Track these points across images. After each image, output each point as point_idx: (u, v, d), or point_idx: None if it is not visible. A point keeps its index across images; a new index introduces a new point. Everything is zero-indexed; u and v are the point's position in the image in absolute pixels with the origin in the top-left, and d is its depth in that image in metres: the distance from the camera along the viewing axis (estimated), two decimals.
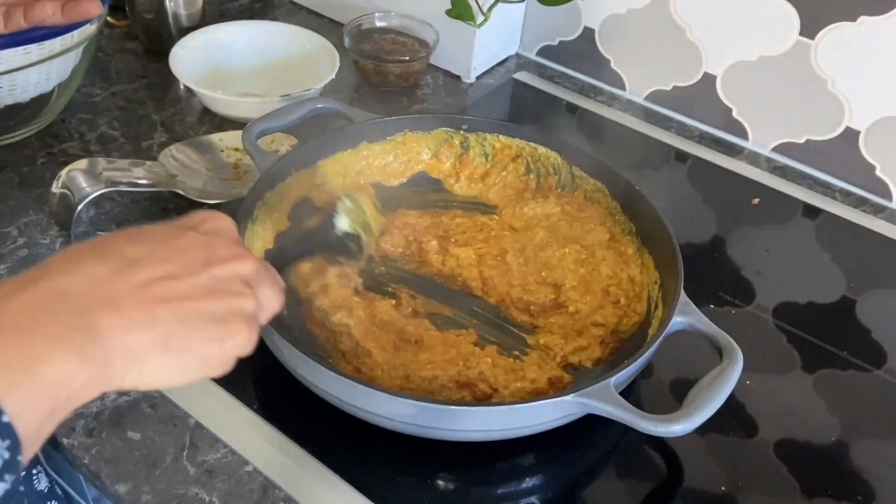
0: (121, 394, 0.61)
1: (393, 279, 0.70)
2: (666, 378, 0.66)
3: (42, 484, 0.60)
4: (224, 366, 0.41)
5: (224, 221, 0.46)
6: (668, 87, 0.99)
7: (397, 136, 0.78)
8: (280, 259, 0.58)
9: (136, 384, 0.38)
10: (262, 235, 0.68)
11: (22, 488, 0.56)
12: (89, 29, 0.79)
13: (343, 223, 0.62)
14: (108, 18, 0.99)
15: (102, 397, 0.60)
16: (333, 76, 0.89)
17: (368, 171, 0.78)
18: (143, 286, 0.38)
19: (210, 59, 0.92)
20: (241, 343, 0.41)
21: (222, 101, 0.86)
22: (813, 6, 0.85)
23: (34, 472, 0.57)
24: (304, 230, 0.64)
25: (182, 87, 0.93)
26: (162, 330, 0.38)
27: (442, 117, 0.79)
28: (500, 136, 0.78)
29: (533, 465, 0.59)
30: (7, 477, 0.33)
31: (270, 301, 0.45)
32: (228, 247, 0.43)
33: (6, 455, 0.33)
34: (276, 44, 0.95)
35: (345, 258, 0.63)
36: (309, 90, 0.86)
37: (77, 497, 0.75)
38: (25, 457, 0.34)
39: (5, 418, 0.32)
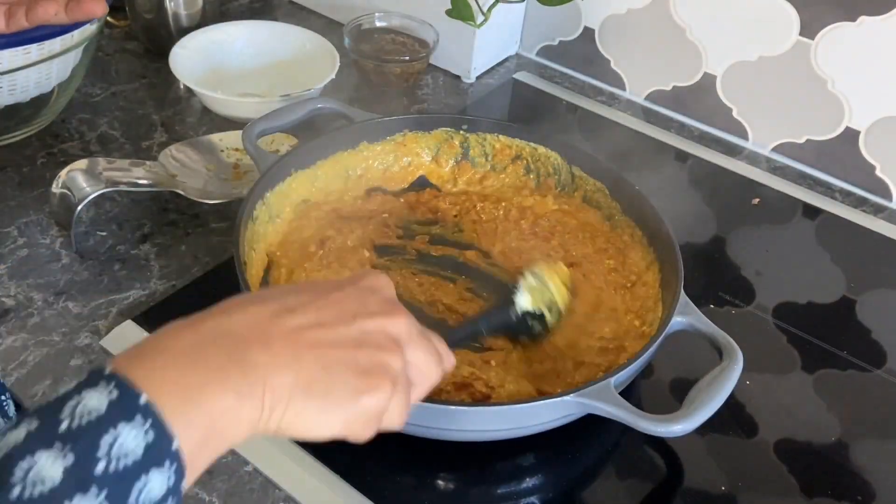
0: None
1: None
2: (666, 378, 0.66)
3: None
4: (366, 425, 0.41)
5: (382, 280, 0.47)
6: (668, 87, 0.99)
7: (397, 136, 0.78)
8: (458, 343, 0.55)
9: (281, 428, 0.39)
10: (264, 236, 0.68)
11: None
12: (89, 29, 0.79)
13: (525, 302, 0.60)
14: (109, 18, 0.99)
15: None
16: (333, 76, 0.89)
17: (369, 174, 0.78)
18: (294, 331, 0.40)
19: (210, 59, 0.92)
20: (383, 399, 0.41)
21: (222, 101, 0.86)
22: (813, 6, 0.85)
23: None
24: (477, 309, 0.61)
25: (182, 87, 0.93)
26: (305, 374, 0.39)
27: (442, 117, 0.79)
28: (500, 136, 0.78)
29: (533, 465, 0.59)
30: (171, 501, 0.34)
31: (424, 366, 0.45)
32: (381, 303, 0.44)
33: (172, 479, 0.34)
34: (276, 44, 0.95)
35: (526, 338, 0.62)
36: (309, 90, 0.86)
37: None
38: (186, 474, 0.35)
39: (175, 445, 0.34)
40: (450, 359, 0.47)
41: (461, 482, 0.58)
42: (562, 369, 0.62)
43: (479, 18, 0.95)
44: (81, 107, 0.89)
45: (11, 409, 0.56)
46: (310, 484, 0.56)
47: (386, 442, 0.57)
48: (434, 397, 0.59)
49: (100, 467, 0.32)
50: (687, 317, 0.60)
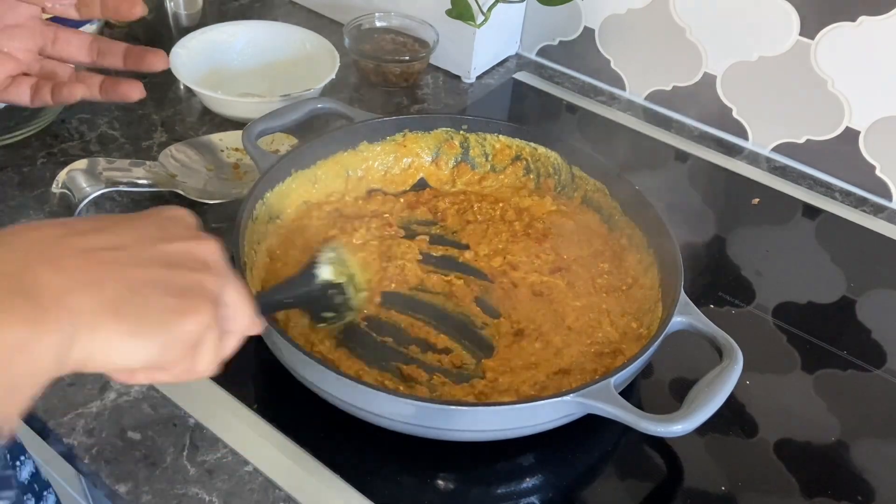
0: (121, 393, 0.61)
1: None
2: (666, 378, 0.66)
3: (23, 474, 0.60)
4: (183, 352, 0.37)
5: (182, 211, 0.42)
6: (668, 87, 0.99)
7: (397, 136, 0.78)
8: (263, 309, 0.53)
9: (94, 358, 0.35)
10: (264, 235, 0.68)
11: None
12: (89, 29, 0.79)
13: (325, 272, 0.58)
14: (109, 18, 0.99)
15: (102, 396, 0.60)
16: (333, 76, 0.89)
17: (369, 175, 0.78)
18: (88, 251, 0.36)
19: (210, 59, 0.92)
20: (203, 322, 0.37)
21: (222, 102, 0.86)
22: (813, 6, 0.85)
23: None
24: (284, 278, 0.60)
25: (182, 87, 0.93)
26: (109, 293, 0.35)
27: (442, 117, 0.79)
28: (501, 136, 0.78)
29: (533, 465, 0.59)
30: None
31: (239, 306, 0.41)
32: (186, 229, 0.40)
33: None
34: (276, 44, 0.95)
35: (333, 313, 0.60)
36: (309, 90, 0.86)
37: (75, 496, 0.75)
38: None
39: None
40: (258, 322, 0.44)
41: (461, 482, 0.58)
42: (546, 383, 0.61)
43: (479, 18, 0.95)
44: (81, 107, 0.89)
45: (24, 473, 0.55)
46: (310, 484, 0.56)
47: (386, 442, 0.58)
48: (434, 397, 0.59)
49: None
50: (687, 317, 0.60)
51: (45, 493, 0.60)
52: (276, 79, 0.93)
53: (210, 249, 0.40)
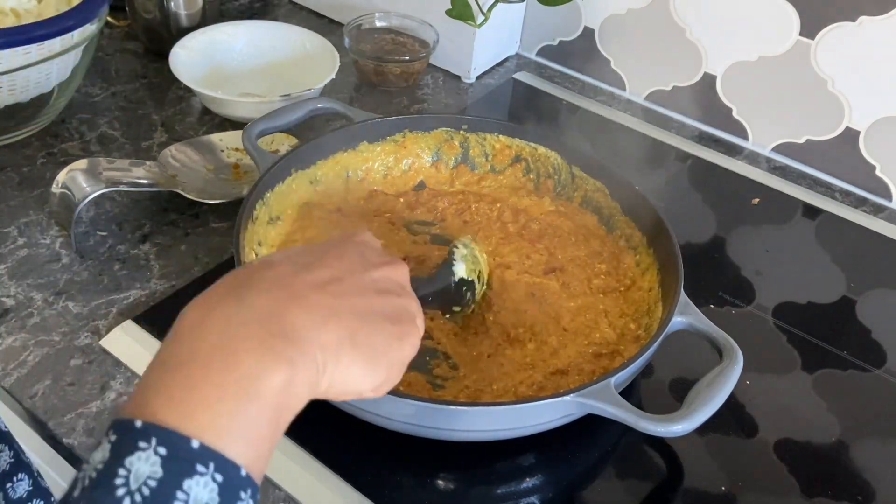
0: (121, 393, 0.61)
1: None
2: (666, 378, 0.66)
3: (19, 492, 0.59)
4: (400, 371, 0.41)
5: (368, 235, 0.46)
6: (668, 87, 0.99)
7: (397, 136, 0.78)
8: None
9: (334, 386, 0.37)
10: (265, 236, 0.68)
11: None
12: (89, 29, 0.79)
13: (461, 270, 0.61)
14: (109, 18, 0.99)
15: (102, 396, 0.60)
16: (333, 76, 0.89)
17: (369, 175, 0.78)
18: (320, 285, 0.38)
19: (210, 59, 0.92)
20: (416, 344, 0.41)
21: (222, 102, 0.86)
22: (813, 6, 0.85)
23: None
24: (418, 277, 0.62)
25: (182, 87, 0.93)
26: (346, 325, 0.38)
27: (442, 117, 0.79)
28: (500, 137, 0.78)
29: (533, 465, 0.59)
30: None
31: (421, 314, 0.45)
32: (380, 255, 0.44)
33: (250, 502, 0.32)
34: (276, 44, 0.95)
35: (459, 308, 0.63)
36: (309, 90, 0.86)
37: None
38: (258, 479, 0.33)
39: (244, 472, 0.31)
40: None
41: (461, 482, 0.58)
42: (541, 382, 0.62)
43: (479, 18, 0.95)
44: (81, 107, 0.89)
45: (4, 460, 0.56)
46: (310, 484, 0.56)
47: (386, 442, 0.58)
48: (434, 397, 0.59)
49: None
50: (687, 317, 0.60)
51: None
52: (276, 79, 0.93)
53: (402, 273, 0.44)
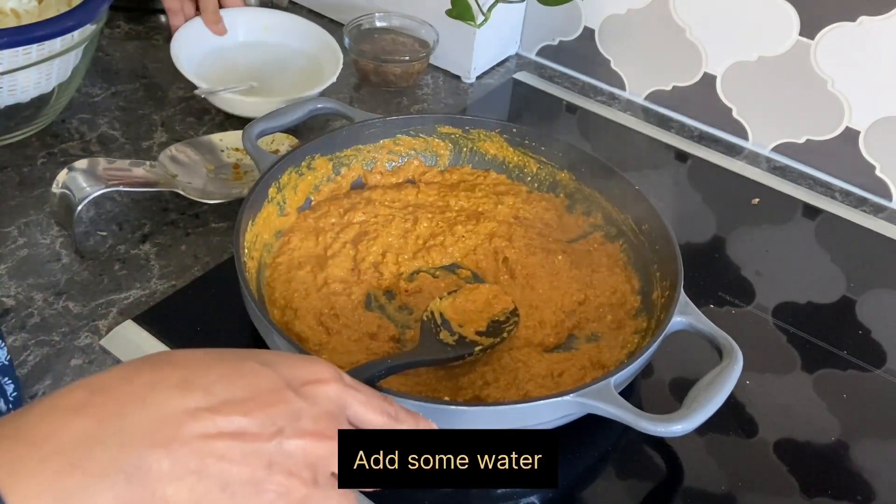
0: None
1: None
2: (666, 378, 0.66)
3: None
4: None
5: (331, 390, 0.41)
6: (668, 87, 0.99)
7: (397, 136, 0.78)
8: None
9: None
10: (262, 237, 0.68)
11: None
12: (89, 29, 0.79)
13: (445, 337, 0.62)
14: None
15: None
16: (335, 79, 0.88)
17: (369, 176, 0.78)
18: (209, 437, 0.36)
19: (211, 49, 0.92)
20: None
21: (225, 100, 0.86)
22: (813, 6, 0.85)
23: None
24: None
25: (183, 86, 0.93)
26: (202, 490, 0.36)
27: (442, 117, 0.79)
28: (501, 137, 0.78)
29: None
30: None
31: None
32: (315, 420, 0.40)
33: None
34: (277, 35, 0.95)
35: (458, 363, 0.62)
36: (313, 91, 0.85)
37: None
38: None
39: None
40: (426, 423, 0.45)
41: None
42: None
43: (479, 18, 0.95)
44: (81, 107, 0.89)
45: (10, 391, 0.56)
46: None
47: None
48: (434, 397, 0.59)
49: None
50: (687, 317, 0.60)
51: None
52: (277, 72, 0.93)
53: (324, 454, 0.39)
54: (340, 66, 0.90)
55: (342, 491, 0.41)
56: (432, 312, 0.64)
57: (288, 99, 0.83)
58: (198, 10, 0.94)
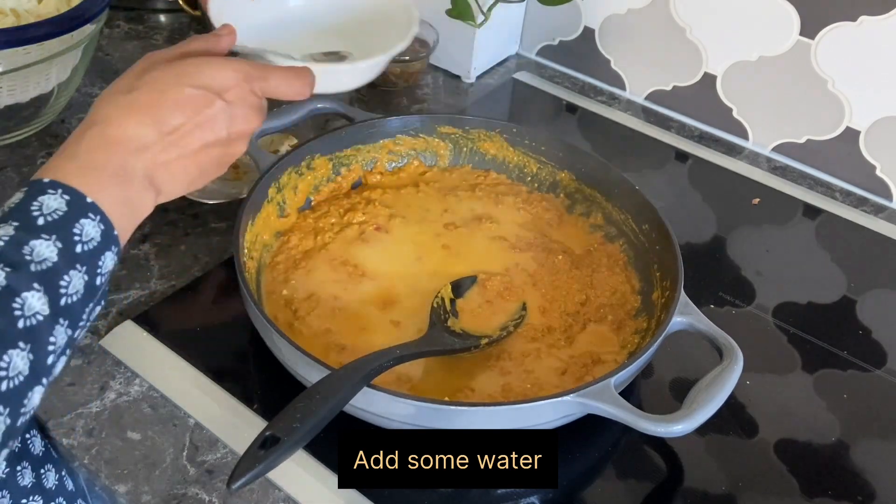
0: (120, 393, 0.61)
1: None
2: (666, 378, 0.66)
3: (26, 479, 0.60)
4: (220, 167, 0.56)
5: (243, 90, 0.54)
6: (668, 87, 0.99)
7: (397, 136, 0.78)
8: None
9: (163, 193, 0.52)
10: (262, 237, 0.68)
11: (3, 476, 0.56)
12: (89, 29, 0.79)
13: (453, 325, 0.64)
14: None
15: (102, 396, 0.60)
16: (409, 41, 0.77)
17: (368, 175, 0.78)
18: (169, 137, 0.51)
19: (259, 10, 0.80)
20: (233, 154, 0.56)
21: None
22: (813, 6, 0.84)
23: (18, 467, 0.57)
24: None
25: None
26: (187, 177, 0.52)
27: (442, 117, 0.79)
28: (500, 137, 0.78)
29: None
30: (115, 264, 0.48)
31: (246, 120, 0.55)
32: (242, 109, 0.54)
33: (116, 256, 0.48)
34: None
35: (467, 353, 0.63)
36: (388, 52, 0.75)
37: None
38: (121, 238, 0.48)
39: (115, 232, 0.47)
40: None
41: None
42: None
43: (479, 18, 0.95)
44: (81, 107, 0.89)
45: (27, 478, 0.58)
46: (310, 484, 0.56)
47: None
48: (434, 397, 0.59)
49: (79, 248, 0.45)
50: (687, 317, 0.60)
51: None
52: (337, 38, 0.82)
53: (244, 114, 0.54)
54: (417, 21, 0.78)
55: (253, 104, 0.55)
56: (442, 298, 0.64)
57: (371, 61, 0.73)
58: None
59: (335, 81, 0.74)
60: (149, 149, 0.50)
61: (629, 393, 0.62)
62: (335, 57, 0.79)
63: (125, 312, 0.67)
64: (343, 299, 0.66)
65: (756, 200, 0.87)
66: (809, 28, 0.86)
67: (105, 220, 0.46)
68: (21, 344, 0.41)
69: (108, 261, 0.47)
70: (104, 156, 0.48)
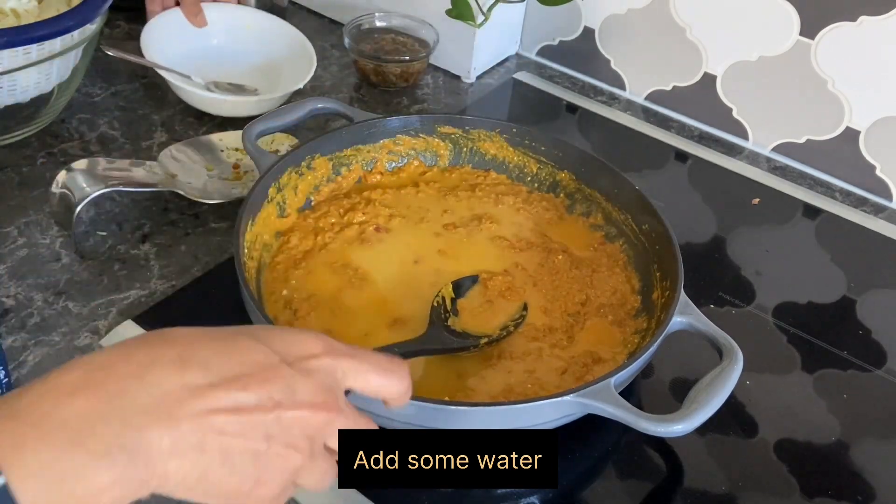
0: None
1: None
2: (666, 378, 0.66)
3: None
4: None
5: (323, 363, 0.41)
6: (668, 87, 0.99)
7: (397, 136, 0.78)
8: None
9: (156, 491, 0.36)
10: (262, 237, 0.68)
11: None
12: (89, 29, 0.79)
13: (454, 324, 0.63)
14: None
15: None
16: (309, 79, 0.89)
17: (368, 177, 0.78)
18: (208, 413, 0.36)
19: (184, 40, 0.92)
20: (267, 499, 0.39)
21: (204, 98, 0.86)
22: (813, 6, 0.85)
23: None
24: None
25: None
26: (205, 462, 0.36)
27: (442, 117, 0.79)
28: (500, 137, 0.78)
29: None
30: None
31: (317, 484, 0.42)
32: (313, 392, 0.40)
33: None
34: (255, 33, 0.96)
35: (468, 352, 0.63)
36: (296, 87, 0.86)
37: None
38: None
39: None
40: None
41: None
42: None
43: (479, 18, 0.95)
44: (81, 107, 0.89)
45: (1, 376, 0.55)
46: None
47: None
48: (433, 397, 0.59)
49: None
50: (687, 317, 0.60)
51: None
52: (252, 72, 0.94)
53: (321, 425, 0.40)
54: (313, 70, 0.90)
55: (332, 462, 0.42)
56: (443, 297, 0.64)
57: (284, 97, 0.83)
58: (177, 3, 0.94)
59: (232, 108, 0.88)
60: (166, 398, 0.37)
61: (629, 393, 0.62)
62: (238, 89, 0.91)
63: (125, 312, 0.67)
64: (343, 299, 0.66)
65: (756, 200, 0.87)
66: (809, 28, 0.86)
67: None
68: None
69: None
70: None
